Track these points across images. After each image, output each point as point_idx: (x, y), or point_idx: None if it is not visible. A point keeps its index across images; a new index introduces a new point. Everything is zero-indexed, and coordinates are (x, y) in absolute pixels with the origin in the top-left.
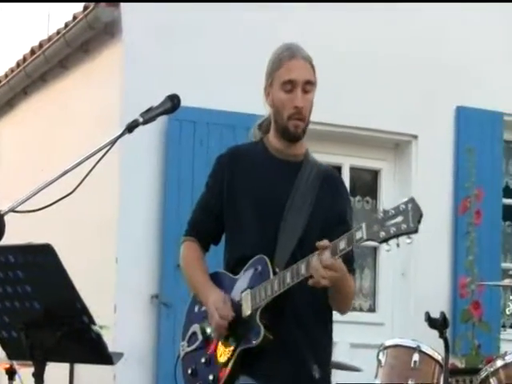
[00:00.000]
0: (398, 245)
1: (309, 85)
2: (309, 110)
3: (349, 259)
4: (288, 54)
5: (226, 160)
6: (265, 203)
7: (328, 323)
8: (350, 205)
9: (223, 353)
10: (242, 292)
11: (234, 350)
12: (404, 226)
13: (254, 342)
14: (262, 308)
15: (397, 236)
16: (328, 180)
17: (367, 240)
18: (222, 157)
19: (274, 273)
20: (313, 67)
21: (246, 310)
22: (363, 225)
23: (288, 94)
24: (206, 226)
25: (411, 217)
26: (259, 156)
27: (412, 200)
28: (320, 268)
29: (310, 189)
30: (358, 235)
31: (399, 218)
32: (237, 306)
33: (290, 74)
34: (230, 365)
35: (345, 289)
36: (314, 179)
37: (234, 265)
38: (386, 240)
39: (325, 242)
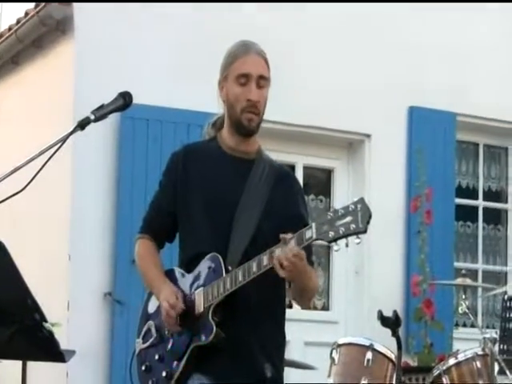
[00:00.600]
0: (346, 244)
1: (263, 80)
2: (263, 106)
3: (308, 252)
4: (243, 50)
5: (179, 157)
6: (217, 201)
7: (281, 321)
8: (305, 202)
9: (176, 350)
10: (195, 290)
11: (186, 347)
12: (353, 226)
13: (206, 339)
14: (214, 306)
15: (346, 236)
16: (282, 177)
17: (317, 239)
18: (175, 154)
19: (227, 271)
20: (267, 63)
21: (199, 308)
22: (313, 224)
23: (242, 88)
24: (159, 224)
25: (360, 217)
26: (212, 153)
27: (361, 200)
28: (288, 255)
29: (264, 186)
30: (308, 235)
31: (348, 218)
32: (190, 303)
33: (245, 68)
34: (183, 362)
35: (308, 281)
36: (268, 176)
37: (188, 262)
38: (335, 240)
39: (288, 235)
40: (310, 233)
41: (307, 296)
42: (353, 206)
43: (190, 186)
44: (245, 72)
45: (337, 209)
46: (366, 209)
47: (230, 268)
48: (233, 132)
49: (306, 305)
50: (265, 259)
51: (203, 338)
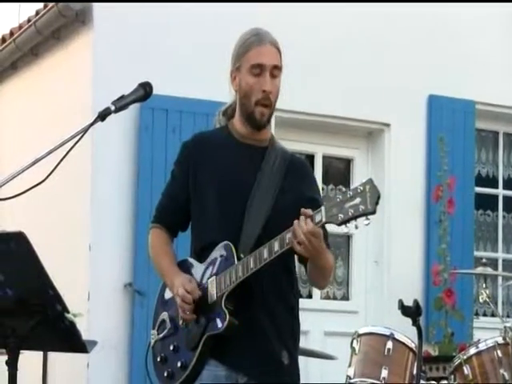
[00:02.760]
0: (356, 226)
1: (276, 70)
2: (275, 96)
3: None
4: (256, 39)
5: (190, 146)
6: (229, 189)
7: (294, 308)
8: (319, 188)
9: (191, 339)
10: (208, 278)
11: (200, 337)
12: (362, 208)
13: (219, 328)
14: (227, 294)
15: (355, 218)
16: (294, 165)
17: (326, 223)
18: (186, 143)
19: (239, 258)
20: (280, 52)
21: (212, 296)
22: (322, 208)
23: (256, 78)
24: (172, 214)
25: (369, 198)
26: (224, 141)
27: (370, 181)
28: (304, 230)
29: (276, 174)
30: (318, 218)
31: (357, 200)
32: (203, 292)
33: (259, 58)
34: (198, 352)
35: (325, 262)
36: (280, 164)
37: (200, 251)
38: (344, 222)
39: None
40: (320, 216)
41: (324, 276)
42: (361, 188)
43: (201, 175)
44: (259, 62)
45: (345, 190)
46: (375, 189)
47: (242, 256)
48: (244, 122)
49: (322, 285)
50: (276, 245)
51: (217, 326)
